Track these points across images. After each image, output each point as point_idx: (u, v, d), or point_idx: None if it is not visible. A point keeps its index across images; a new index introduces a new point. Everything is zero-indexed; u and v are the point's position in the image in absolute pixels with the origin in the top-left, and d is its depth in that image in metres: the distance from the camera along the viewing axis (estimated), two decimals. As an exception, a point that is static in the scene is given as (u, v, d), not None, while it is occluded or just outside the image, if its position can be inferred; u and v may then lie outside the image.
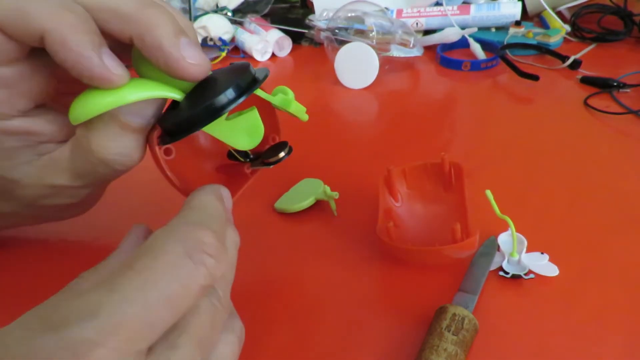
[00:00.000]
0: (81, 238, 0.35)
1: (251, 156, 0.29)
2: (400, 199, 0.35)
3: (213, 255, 0.19)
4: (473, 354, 0.26)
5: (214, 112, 0.22)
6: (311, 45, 0.73)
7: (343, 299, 0.29)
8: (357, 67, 0.57)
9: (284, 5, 0.81)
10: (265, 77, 0.24)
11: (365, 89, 0.58)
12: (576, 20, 0.70)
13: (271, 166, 0.27)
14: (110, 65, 0.21)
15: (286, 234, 0.35)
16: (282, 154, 0.27)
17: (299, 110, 0.26)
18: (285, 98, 0.25)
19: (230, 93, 0.22)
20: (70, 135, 0.26)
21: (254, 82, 0.23)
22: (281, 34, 0.69)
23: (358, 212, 0.36)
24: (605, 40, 0.67)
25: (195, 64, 0.22)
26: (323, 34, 0.62)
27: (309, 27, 0.68)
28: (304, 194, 0.37)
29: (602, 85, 0.54)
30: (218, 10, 0.74)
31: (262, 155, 0.28)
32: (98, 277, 0.20)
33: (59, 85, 0.26)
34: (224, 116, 0.24)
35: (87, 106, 0.22)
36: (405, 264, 0.31)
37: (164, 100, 0.24)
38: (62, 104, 0.26)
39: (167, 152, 0.24)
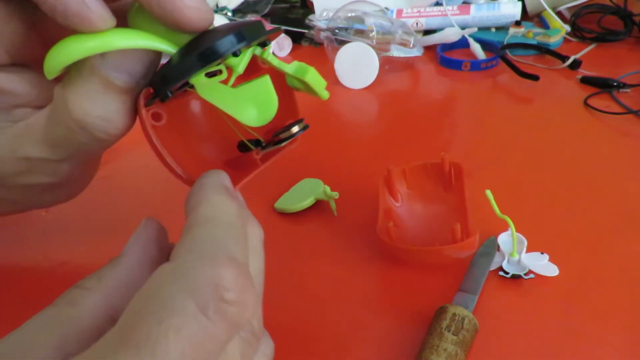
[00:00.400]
0: (78, 238, 0.35)
1: (264, 144, 0.24)
2: (400, 199, 0.35)
3: (235, 301, 0.15)
4: (473, 354, 0.26)
5: (207, 58, 0.18)
6: (311, 45, 0.73)
7: (343, 299, 0.29)
8: (357, 67, 0.57)
9: (284, 5, 0.81)
10: (276, 29, 0.21)
11: (365, 89, 0.58)
12: (576, 20, 0.69)
13: (283, 144, 0.23)
14: (91, 2, 0.18)
15: (286, 234, 0.35)
16: (295, 129, 0.23)
17: (317, 82, 0.22)
18: (300, 65, 0.22)
19: (230, 39, 0.18)
20: (50, 101, 0.22)
21: (260, 33, 0.20)
22: (281, 34, 0.69)
23: (358, 212, 0.36)
24: (605, 40, 0.67)
25: (195, 7, 0.19)
26: (323, 34, 0.62)
27: (309, 27, 0.68)
28: (304, 194, 0.37)
29: (602, 85, 0.54)
30: (218, 10, 0.74)
31: (274, 135, 0.24)
32: (100, 290, 0.17)
33: (42, 50, 0.22)
34: (228, 82, 0.21)
35: (61, 53, 0.18)
36: (405, 264, 0.31)
37: (157, 59, 0.21)
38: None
39: (156, 117, 0.21)
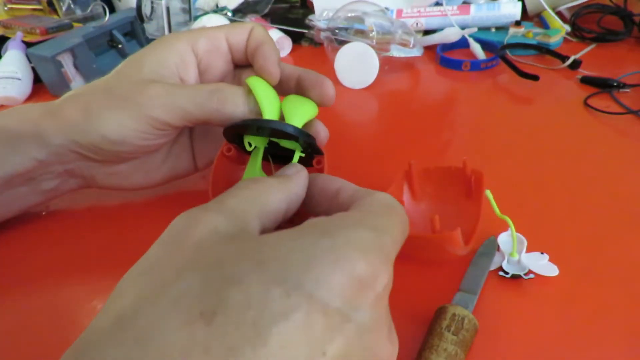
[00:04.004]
0: (78, 238, 0.35)
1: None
2: (410, 198, 0.35)
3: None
4: (473, 354, 0.26)
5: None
6: (311, 45, 0.73)
7: (343, 299, 0.29)
8: (357, 67, 0.57)
9: (284, 5, 0.81)
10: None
11: (365, 89, 0.58)
12: (576, 20, 0.70)
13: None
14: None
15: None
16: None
17: None
18: None
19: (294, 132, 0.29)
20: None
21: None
22: (281, 34, 0.69)
23: (358, 212, 0.36)
24: (605, 40, 0.67)
25: (333, 95, 0.34)
26: (323, 34, 0.62)
27: (309, 27, 0.68)
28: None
29: (602, 85, 0.54)
30: (218, 10, 0.74)
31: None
32: (281, 193, 0.23)
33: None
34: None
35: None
36: (405, 264, 0.31)
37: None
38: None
39: (227, 149, 0.31)
